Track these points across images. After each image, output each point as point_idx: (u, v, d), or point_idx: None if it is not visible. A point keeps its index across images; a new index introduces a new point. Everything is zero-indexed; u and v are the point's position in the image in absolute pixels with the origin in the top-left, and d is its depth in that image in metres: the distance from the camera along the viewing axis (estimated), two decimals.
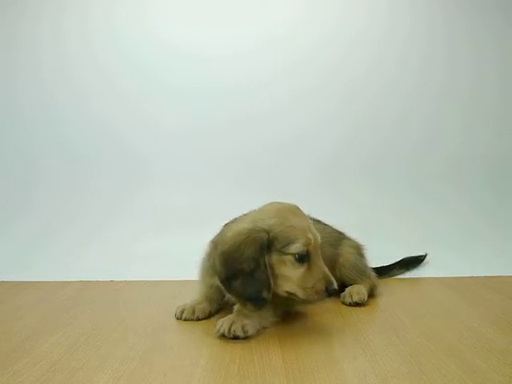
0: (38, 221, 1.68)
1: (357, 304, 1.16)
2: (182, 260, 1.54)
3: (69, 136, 1.72)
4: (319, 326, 1.03)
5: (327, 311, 1.12)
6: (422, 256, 1.48)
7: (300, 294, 0.97)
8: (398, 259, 1.44)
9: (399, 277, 1.45)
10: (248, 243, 0.96)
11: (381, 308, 1.16)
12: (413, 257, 1.47)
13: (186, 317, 1.07)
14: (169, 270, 1.47)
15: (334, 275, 1.19)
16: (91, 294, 1.31)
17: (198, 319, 1.07)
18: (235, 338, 0.94)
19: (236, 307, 1.01)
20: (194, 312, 1.08)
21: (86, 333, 1.01)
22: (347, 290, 1.20)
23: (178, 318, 1.08)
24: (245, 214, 1.05)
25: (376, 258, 1.32)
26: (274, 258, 0.97)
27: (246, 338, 0.95)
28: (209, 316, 1.09)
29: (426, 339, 0.94)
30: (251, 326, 0.97)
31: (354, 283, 1.23)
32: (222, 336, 0.95)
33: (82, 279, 1.46)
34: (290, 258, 0.97)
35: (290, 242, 0.97)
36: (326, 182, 1.59)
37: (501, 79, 1.69)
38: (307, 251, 0.97)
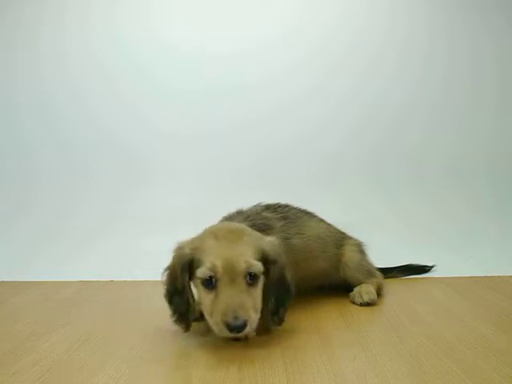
0: (38, 221, 1.68)
1: (368, 304, 1.15)
2: None
3: (69, 137, 1.72)
4: (319, 326, 1.03)
5: (327, 311, 1.12)
6: (428, 266, 1.43)
7: (210, 323, 0.90)
8: (402, 264, 1.42)
9: (398, 277, 1.45)
10: (176, 263, 0.96)
11: (381, 308, 1.16)
12: (418, 265, 1.43)
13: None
14: None
15: (338, 276, 1.22)
16: (91, 294, 1.31)
17: None
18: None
19: None
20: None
21: (86, 333, 1.01)
22: (356, 289, 1.20)
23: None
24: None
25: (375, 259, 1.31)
26: (193, 280, 0.96)
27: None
28: None
29: (426, 339, 0.94)
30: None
31: (360, 283, 1.22)
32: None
33: (82, 279, 1.46)
34: (198, 282, 0.93)
35: (198, 266, 0.92)
36: (327, 182, 1.59)
37: (501, 79, 1.69)
38: (211, 277, 0.89)
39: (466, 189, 1.68)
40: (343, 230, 1.31)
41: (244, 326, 0.85)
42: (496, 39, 1.68)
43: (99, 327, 1.05)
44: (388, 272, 1.39)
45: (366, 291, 1.17)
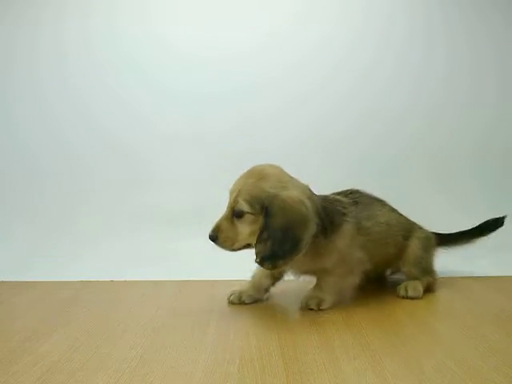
0: (38, 222, 1.68)
1: (410, 298, 1.20)
2: (182, 260, 1.54)
3: (69, 138, 1.71)
4: (319, 326, 1.03)
5: (327, 311, 1.12)
6: (501, 218, 1.42)
7: None
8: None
9: (399, 277, 1.45)
10: None
11: (381, 308, 1.16)
12: (492, 220, 1.42)
13: (233, 301, 1.19)
14: (169, 270, 1.47)
15: (397, 265, 1.29)
16: (91, 294, 1.31)
17: (245, 303, 1.19)
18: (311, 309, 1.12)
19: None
20: (240, 297, 1.19)
21: (86, 333, 1.01)
22: (404, 284, 1.24)
23: (228, 302, 1.20)
24: None
25: None
26: None
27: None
28: (255, 302, 1.20)
29: (426, 339, 0.94)
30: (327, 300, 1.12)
31: (413, 278, 1.25)
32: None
33: (82, 279, 1.46)
34: None
35: None
36: (326, 182, 1.59)
37: (500, 79, 1.69)
38: None
39: (453, 191, 1.66)
40: (413, 221, 1.32)
41: (213, 239, 1.08)
42: (495, 39, 1.68)
43: (99, 327, 1.05)
44: (467, 237, 1.41)
45: (412, 286, 1.22)
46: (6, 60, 1.72)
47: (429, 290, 1.25)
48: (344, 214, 1.15)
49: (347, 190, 1.26)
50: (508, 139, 1.69)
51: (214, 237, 1.08)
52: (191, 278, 1.44)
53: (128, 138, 1.71)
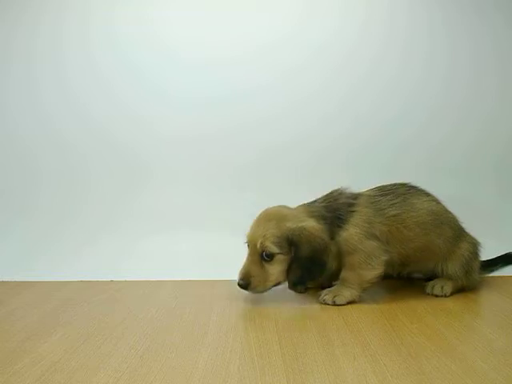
0: (39, 221, 1.68)
1: (435, 296, 1.22)
2: (182, 260, 1.54)
3: (67, 139, 1.71)
4: (319, 326, 1.03)
5: (327, 311, 1.12)
6: None
7: None
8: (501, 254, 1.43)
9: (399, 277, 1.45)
10: None
11: (381, 308, 1.16)
12: None
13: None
14: (169, 270, 1.47)
15: (444, 268, 1.25)
16: (91, 294, 1.31)
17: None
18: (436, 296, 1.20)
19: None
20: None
21: (86, 333, 1.01)
22: (433, 281, 1.25)
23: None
24: None
25: None
26: None
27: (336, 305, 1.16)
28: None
29: (426, 339, 0.94)
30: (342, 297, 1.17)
31: (455, 278, 1.25)
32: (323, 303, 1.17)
33: (82, 279, 1.46)
34: None
35: None
36: (323, 182, 1.59)
37: (500, 79, 1.69)
38: (248, 245, 1.17)
39: (448, 186, 1.65)
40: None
41: (245, 286, 1.14)
42: (495, 39, 1.68)
43: (99, 327, 1.05)
44: (492, 265, 1.41)
45: (440, 285, 1.23)
46: (4, 60, 1.72)
47: (461, 290, 1.24)
48: (351, 205, 1.18)
49: (388, 184, 1.27)
50: (503, 140, 1.69)
51: (245, 284, 1.14)
52: (191, 278, 1.44)
53: (127, 139, 1.70)
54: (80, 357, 0.89)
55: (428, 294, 1.23)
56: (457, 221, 1.29)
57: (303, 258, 1.11)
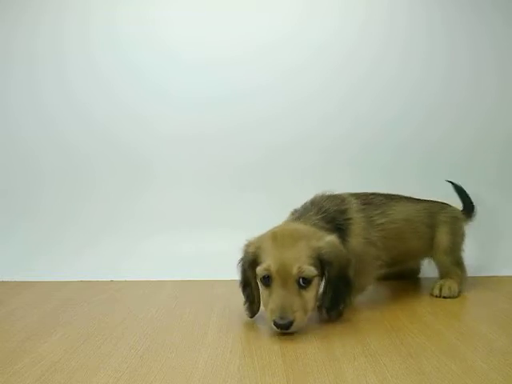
0: (39, 222, 1.67)
1: (444, 297, 1.22)
2: (182, 260, 1.54)
3: (69, 140, 1.70)
4: (319, 326, 1.03)
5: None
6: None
7: (267, 316, 1.00)
8: None
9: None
10: (243, 259, 1.07)
11: (381, 308, 1.16)
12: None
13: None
14: (169, 270, 1.47)
15: (430, 255, 1.29)
16: (91, 294, 1.31)
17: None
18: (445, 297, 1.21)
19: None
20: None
21: (86, 333, 1.02)
22: (439, 283, 1.25)
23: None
24: None
25: None
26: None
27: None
28: None
29: (426, 339, 0.94)
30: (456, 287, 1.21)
31: (447, 269, 1.27)
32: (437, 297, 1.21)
33: (82, 279, 1.46)
34: (258, 278, 1.03)
35: (259, 264, 1.02)
36: (323, 182, 1.59)
37: (499, 78, 1.68)
38: (268, 276, 0.99)
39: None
40: (436, 202, 1.33)
41: (289, 325, 0.95)
42: (494, 39, 1.67)
43: (99, 327, 1.05)
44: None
45: (448, 286, 1.23)
46: (4, 61, 1.72)
47: (460, 288, 1.25)
48: (344, 212, 1.14)
49: (360, 193, 1.25)
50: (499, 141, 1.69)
51: (290, 323, 0.95)
52: (191, 278, 1.44)
53: (128, 139, 1.70)
54: (80, 357, 0.89)
55: (436, 297, 1.22)
56: (427, 208, 1.29)
57: (333, 276, 1.01)
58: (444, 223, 1.28)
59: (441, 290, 1.23)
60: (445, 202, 1.37)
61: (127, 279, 1.45)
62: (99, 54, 1.70)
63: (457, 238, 1.30)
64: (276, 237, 1.02)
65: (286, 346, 0.93)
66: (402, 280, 1.42)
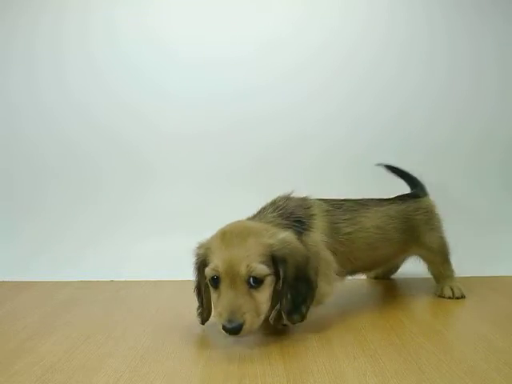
0: (39, 221, 1.67)
1: (457, 298, 1.22)
2: (182, 260, 1.54)
3: (70, 140, 1.70)
4: (319, 326, 1.03)
5: (327, 311, 1.12)
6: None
7: (216, 320, 0.91)
8: None
9: (398, 277, 1.45)
10: (195, 261, 1.01)
11: (381, 308, 1.16)
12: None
13: None
14: (169, 270, 1.47)
15: (408, 255, 1.29)
16: (91, 294, 1.32)
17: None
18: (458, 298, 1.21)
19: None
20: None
21: (86, 333, 1.02)
22: (447, 284, 1.24)
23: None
24: None
25: None
26: None
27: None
28: None
29: (426, 339, 0.94)
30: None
31: (437, 266, 1.27)
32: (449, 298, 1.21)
33: (83, 279, 1.46)
34: (207, 280, 0.96)
35: (206, 264, 0.95)
36: (322, 183, 1.59)
37: (502, 79, 1.68)
38: (216, 277, 0.91)
39: (455, 186, 1.66)
40: (410, 195, 1.30)
41: (239, 329, 0.86)
42: (495, 38, 1.67)
43: (99, 327, 1.05)
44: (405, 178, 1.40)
45: (457, 287, 1.23)
46: (4, 61, 1.72)
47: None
48: (308, 207, 1.07)
49: (329, 199, 1.17)
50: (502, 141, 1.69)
51: (240, 326, 0.86)
52: (191, 278, 1.44)
53: (129, 138, 1.70)
54: (80, 357, 0.89)
55: (449, 298, 1.22)
56: (396, 213, 1.21)
57: (290, 276, 0.92)
58: (424, 222, 1.24)
59: (452, 291, 1.22)
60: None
61: (128, 279, 1.45)
62: (99, 54, 1.70)
63: (440, 232, 1.27)
64: (224, 236, 0.94)
65: (286, 346, 0.93)
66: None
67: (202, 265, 0.98)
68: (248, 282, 0.90)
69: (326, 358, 0.86)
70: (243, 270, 0.89)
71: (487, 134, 1.67)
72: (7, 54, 1.72)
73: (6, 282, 1.45)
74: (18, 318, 1.12)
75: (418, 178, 1.37)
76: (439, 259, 1.26)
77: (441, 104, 1.68)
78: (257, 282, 0.90)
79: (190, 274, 1.44)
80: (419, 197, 1.30)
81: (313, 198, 1.12)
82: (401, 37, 1.68)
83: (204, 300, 1.01)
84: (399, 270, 1.45)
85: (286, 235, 0.95)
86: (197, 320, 1.02)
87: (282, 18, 1.69)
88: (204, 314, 1.02)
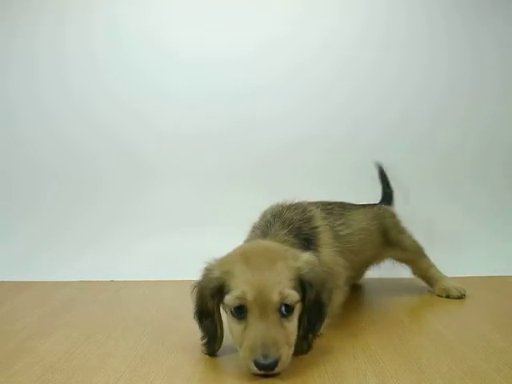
0: (39, 221, 1.67)
1: (463, 296, 1.23)
2: (182, 260, 1.54)
3: (71, 140, 1.70)
4: None
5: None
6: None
7: (240, 354, 0.81)
8: None
9: (398, 277, 1.45)
10: (204, 286, 0.88)
11: (381, 308, 1.16)
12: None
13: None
14: (169, 270, 1.47)
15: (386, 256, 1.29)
16: (91, 294, 1.31)
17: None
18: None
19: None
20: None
21: (86, 333, 1.01)
22: (451, 285, 1.25)
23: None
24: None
25: None
26: (223, 306, 0.87)
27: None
28: None
29: (426, 339, 0.95)
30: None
31: (414, 262, 1.29)
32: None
33: (82, 279, 1.46)
34: (228, 309, 0.85)
35: (227, 292, 0.83)
36: (322, 183, 1.59)
37: (502, 78, 1.68)
38: (242, 306, 0.81)
39: (459, 188, 1.66)
40: (373, 204, 1.33)
41: (275, 364, 0.77)
42: (496, 38, 1.67)
43: (99, 327, 1.05)
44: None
45: (459, 285, 1.24)
46: (4, 60, 1.72)
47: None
48: (309, 220, 1.05)
49: (317, 202, 1.17)
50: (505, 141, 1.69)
51: (275, 363, 0.77)
52: (191, 278, 1.43)
53: (129, 137, 1.70)
54: (80, 357, 0.89)
55: (458, 298, 1.22)
56: (377, 217, 1.26)
57: (311, 301, 0.86)
58: (393, 226, 1.28)
59: (459, 290, 1.23)
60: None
61: (127, 279, 1.45)
62: (99, 53, 1.70)
63: (407, 233, 1.30)
64: (248, 258, 0.84)
65: None
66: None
67: (216, 290, 0.85)
68: (279, 311, 0.81)
69: (326, 358, 0.86)
70: (276, 297, 0.80)
71: (491, 134, 1.67)
72: (7, 54, 1.72)
73: (5, 282, 1.45)
74: (17, 318, 1.12)
75: (393, 189, 1.44)
76: (415, 256, 1.29)
77: (443, 105, 1.68)
78: (288, 310, 0.82)
79: (189, 274, 1.44)
80: (385, 204, 1.37)
81: (305, 203, 1.12)
82: (401, 37, 1.68)
83: (217, 329, 0.88)
84: (399, 270, 1.45)
85: (309, 257, 0.89)
86: (202, 351, 0.90)
87: (282, 18, 1.68)
88: (216, 345, 0.88)
